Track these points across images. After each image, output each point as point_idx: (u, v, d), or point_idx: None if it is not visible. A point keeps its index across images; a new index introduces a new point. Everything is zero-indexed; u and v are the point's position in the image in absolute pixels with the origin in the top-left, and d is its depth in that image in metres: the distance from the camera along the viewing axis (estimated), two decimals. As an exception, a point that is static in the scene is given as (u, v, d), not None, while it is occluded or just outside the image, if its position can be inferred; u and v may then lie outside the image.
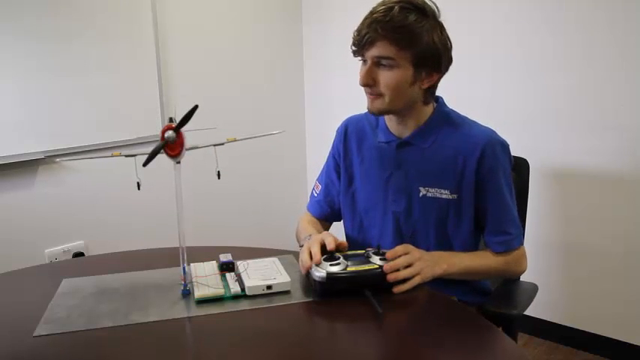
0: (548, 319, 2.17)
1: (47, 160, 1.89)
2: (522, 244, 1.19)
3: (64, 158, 1.89)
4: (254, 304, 0.95)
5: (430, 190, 1.16)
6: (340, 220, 1.35)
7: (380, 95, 1.11)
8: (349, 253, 1.04)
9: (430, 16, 1.08)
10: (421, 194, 1.17)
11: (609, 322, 2.03)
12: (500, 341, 0.87)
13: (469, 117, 1.21)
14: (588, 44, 1.91)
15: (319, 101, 2.80)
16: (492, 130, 1.16)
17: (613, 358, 2.03)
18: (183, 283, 0.98)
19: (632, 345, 1.98)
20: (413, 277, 1.00)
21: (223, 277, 1.03)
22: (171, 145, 0.90)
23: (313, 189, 1.38)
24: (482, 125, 1.18)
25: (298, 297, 0.97)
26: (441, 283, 1.06)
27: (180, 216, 0.95)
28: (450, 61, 1.13)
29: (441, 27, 1.10)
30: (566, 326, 2.13)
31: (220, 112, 2.30)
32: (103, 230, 2.09)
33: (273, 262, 1.08)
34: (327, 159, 1.36)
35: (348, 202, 1.29)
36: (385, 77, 1.09)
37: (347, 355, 0.81)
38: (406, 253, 1.01)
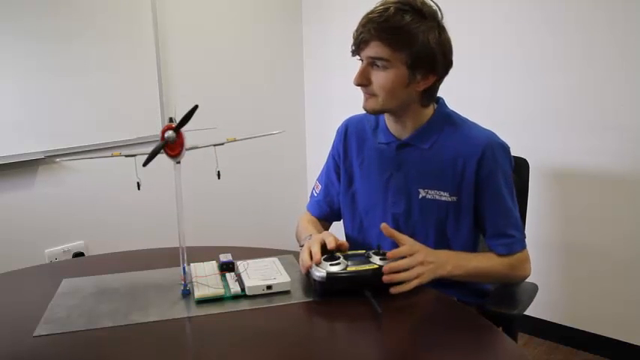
0: (548, 319, 2.17)
1: (47, 160, 1.89)
2: (525, 247, 1.18)
3: (64, 158, 1.89)
4: (254, 304, 0.95)
5: (430, 191, 1.16)
6: (340, 220, 1.35)
7: (374, 95, 1.11)
8: (349, 253, 1.04)
9: (428, 18, 1.07)
10: (420, 196, 1.17)
11: (609, 322, 2.03)
12: (500, 341, 0.87)
13: (469, 118, 1.20)
14: (588, 44, 1.91)
15: (319, 101, 2.80)
16: (493, 132, 1.16)
17: (613, 358, 2.03)
18: (183, 283, 0.98)
19: (632, 345, 1.98)
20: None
21: (223, 277, 1.03)
22: (171, 145, 0.90)
23: (313, 189, 1.38)
24: (482, 127, 1.17)
25: (298, 297, 0.97)
26: (441, 283, 1.05)
27: (180, 216, 0.95)
28: (448, 64, 1.11)
29: (440, 29, 1.09)
30: (566, 326, 2.13)
31: (220, 112, 2.30)
32: (103, 230, 2.09)
33: (273, 262, 1.08)
34: (327, 159, 1.36)
35: (348, 203, 1.29)
36: (379, 78, 1.09)
37: (347, 355, 0.81)
38: (411, 254, 1.00)
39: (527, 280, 1.22)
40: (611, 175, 1.93)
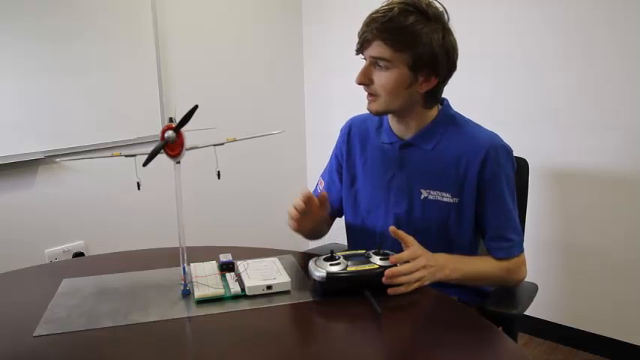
0: (548, 319, 2.17)
1: (47, 160, 1.89)
2: (523, 251, 1.18)
3: (64, 158, 1.89)
4: (254, 304, 0.95)
5: (432, 192, 1.16)
6: (337, 218, 1.36)
7: (376, 96, 1.11)
8: (349, 253, 1.04)
9: (433, 19, 1.06)
10: (422, 196, 1.17)
11: (609, 322, 2.03)
12: (500, 341, 0.87)
13: (470, 118, 1.20)
14: (588, 44, 1.91)
15: (319, 101, 2.80)
16: (496, 134, 1.16)
17: (613, 358, 2.03)
18: (183, 283, 0.98)
19: (632, 345, 1.98)
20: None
21: (223, 277, 1.03)
22: (171, 145, 0.90)
23: (317, 185, 1.38)
24: (486, 129, 1.17)
25: (298, 297, 0.97)
26: (441, 283, 1.05)
27: (180, 216, 0.95)
28: (452, 66, 1.11)
29: (445, 31, 1.08)
30: (566, 326, 2.13)
31: (220, 112, 2.30)
32: (103, 230, 2.09)
33: (273, 262, 1.08)
34: (330, 158, 1.36)
35: (351, 202, 1.29)
36: (380, 78, 1.09)
37: (346, 355, 0.81)
38: (414, 258, 1.00)
39: (527, 280, 1.22)
40: (611, 175, 1.93)
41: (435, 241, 1.16)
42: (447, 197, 1.15)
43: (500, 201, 1.14)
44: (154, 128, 2.00)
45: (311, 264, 1.00)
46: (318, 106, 2.81)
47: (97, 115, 1.99)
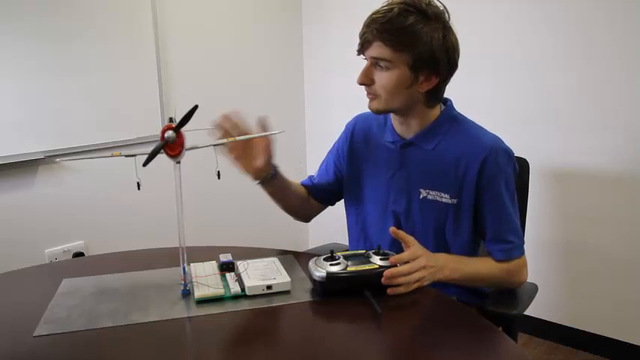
0: (548, 319, 2.17)
1: (47, 160, 1.89)
2: (523, 254, 1.18)
3: (64, 158, 1.89)
4: (254, 304, 0.95)
5: (431, 192, 1.16)
6: (322, 205, 1.37)
7: (377, 95, 1.12)
8: (349, 253, 1.04)
9: (433, 19, 1.06)
10: (421, 196, 1.17)
11: (609, 322, 2.03)
12: (500, 341, 0.87)
13: (470, 119, 1.20)
14: (588, 44, 1.91)
15: (319, 101, 2.80)
16: (498, 137, 1.15)
17: (613, 358, 2.03)
18: (183, 283, 0.98)
19: (632, 345, 1.98)
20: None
21: (223, 277, 1.03)
22: (171, 145, 0.90)
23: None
24: (488, 131, 1.17)
25: (298, 297, 0.97)
26: (441, 283, 1.05)
27: (180, 216, 0.95)
28: (453, 66, 1.11)
29: (445, 30, 1.08)
30: (566, 326, 2.13)
31: (220, 112, 2.30)
32: (103, 230, 2.09)
33: (273, 262, 1.08)
34: (331, 150, 1.37)
35: (353, 198, 1.30)
36: (381, 78, 1.09)
37: (347, 355, 0.81)
38: (414, 259, 1.00)
39: (526, 280, 1.22)
40: (611, 175, 1.93)
41: (433, 241, 1.17)
42: (445, 198, 1.15)
43: (498, 203, 1.13)
44: (154, 128, 2.00)
45: (311, 264, 1.00)
46: (318, 106, 2.81)
47: (97, 115, 1.99)
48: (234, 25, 2.48)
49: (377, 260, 0.99)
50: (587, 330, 2.09)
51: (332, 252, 1.00)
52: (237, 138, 1.11)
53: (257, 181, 1.22)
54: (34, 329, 0.87)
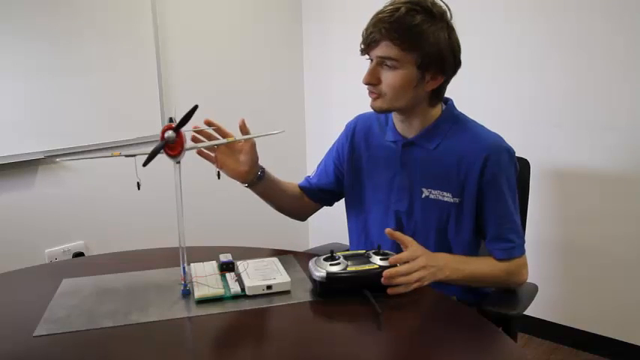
0: (548, 319, 2.17)
1: (47, 160, 1.89)
2: (524, 253, 1.18)
3: (64, 158, 1.89)
4: (254, 304, 0.95)
5: (433, 192, 1.16)
6: (317, 204, 1.36)
7: (381, 94, 1.11)
8: (349, 253, 1.04)
9: (438, 18, 1.07)
10: (423, 195, 1.17)
11: (609, 322, 2.03)
12: (500, 341, 0.87)
13: (471, 118, 1.20)
14: (588, 45, 1.91)
15: (319, 101, 2.80)
16: (499, 136, 1.15)
17: (613, 358, 2.03)
18: (183, 283, 0.98)
19: (632, 345, 1.98)
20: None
21: (223, 277, 1.03)
22: (171, 145, 0.90)
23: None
24: (489, 130, 1.17)
25: (298, 297, 0.97)
26: (441, 282, 1.05)
27: (180, 216, 0.95)
28: (457, 64, 1.12)
29: (449, 29, 1.09)
30: (566, 326, 2.13)
31: (220, 112, 2.29)
32: (103, 230, 2.09)
33: (273, 262, 1.08)
34: (330, 151, 1.36)
35: (354, 198, 1.30)
36: (388, 78, 1.09)
37: (346, 355, 0.81)
38: (413, 259, 1.00)
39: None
40: (611, 175, 1.93)
41: (435, 241, 1.17)
42: (447, 197, 1.15)
43: (500, 202, 1.14)
44: (154, 128, 2.00)
45: (311, 264, 1.00)
46: (318, 106, 2.81)
47: (97, 115, 1.99)
48: (234, 25, 2.48)
49: (377, 260, 0.99)
50: (587, 330, 2.08)
51: (332, 252, 1.00)
52: (239, 138, 1.11)
53: (245, 185, 1.21)
54: (34, 329, 0.87)
